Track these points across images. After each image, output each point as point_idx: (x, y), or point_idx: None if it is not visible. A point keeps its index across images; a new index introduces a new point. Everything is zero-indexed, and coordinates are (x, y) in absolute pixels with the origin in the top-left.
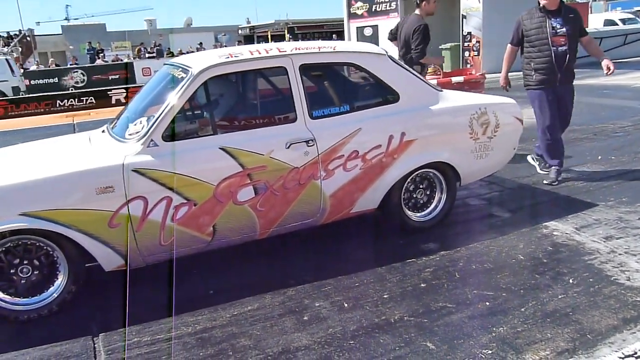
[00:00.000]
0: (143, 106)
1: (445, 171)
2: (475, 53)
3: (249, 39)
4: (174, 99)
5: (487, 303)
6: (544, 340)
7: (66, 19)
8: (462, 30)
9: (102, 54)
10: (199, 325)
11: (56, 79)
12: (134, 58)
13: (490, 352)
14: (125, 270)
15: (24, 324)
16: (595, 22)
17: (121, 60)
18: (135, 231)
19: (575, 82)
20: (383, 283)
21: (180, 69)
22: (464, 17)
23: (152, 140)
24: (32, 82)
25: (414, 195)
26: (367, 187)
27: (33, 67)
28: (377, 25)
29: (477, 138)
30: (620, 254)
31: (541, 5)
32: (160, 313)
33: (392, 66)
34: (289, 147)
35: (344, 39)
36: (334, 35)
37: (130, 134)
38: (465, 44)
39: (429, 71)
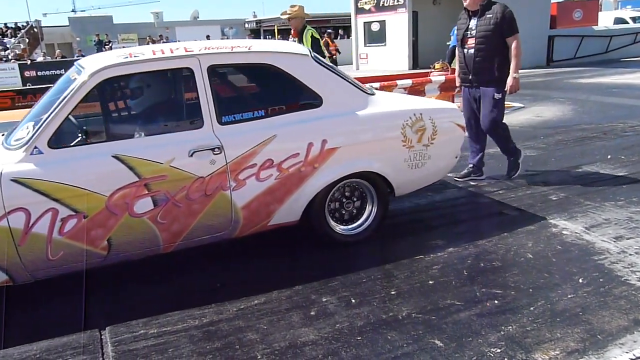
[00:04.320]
0: (37, 110)
1: (375, 182)
2: None
3: (255, 33)
4: (63, 103)
5: (496, 301)
6: (554, 340)
7: (73, 10)
8: None
9: (108, 46)
10: (205, 318)
11: (63, 70)
12: None
13: (499, 350)
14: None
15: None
16: (605, 20)
17: None
18: (18, 245)
19: (585, 80)
20: (390, 279)
21: (76, 70)
22: None
23: (35, 147)
24: (39, 73)
25: (342, 207)
26: (285, 198)
27: (40, 59)
28: (384, 21)
29: (412, 146)
30: (630, 255)
31: (464, 5)
32: (167, 306)
33: (315, 68)
34: (192, 155)
35: (350, 34)
36: (340, 31)
37: (15, 141)
38: None
39: (436, 67)
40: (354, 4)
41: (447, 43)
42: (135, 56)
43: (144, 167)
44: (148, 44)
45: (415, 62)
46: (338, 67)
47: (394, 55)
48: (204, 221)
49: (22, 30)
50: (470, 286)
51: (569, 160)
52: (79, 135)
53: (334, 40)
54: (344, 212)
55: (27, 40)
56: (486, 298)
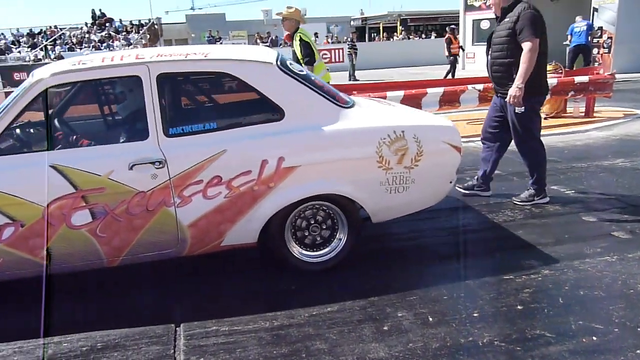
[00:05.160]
0: None
1: (346, 206)
2: (606, 50)
3: (361, 31)
4: (6, 110)
5: (594, 338)
6: None
7: (192, 8)
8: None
9: (219, 42)
10: (276, 321)
11: None
12: None
13: None
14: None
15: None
16: None
17: None
18: None
19: None
20: (474, 299)
21: (30, 75)
22: (595, 10)
23: None
24: None
25: (308, 232)
26: (237, 218)
27: None
28: (495, 18)
29: (389, 168)
30: None
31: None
32: (241, 305)
33: (278, 77)
34: (132, 168)
35: (459, 32)
36: (447, 28)
37: None
38: (595, 41)
39: (548, 69)
40: (463, 0)
41: (565, 43)
42: (83, 63)
43: (81, 178)
44: (256, 41)
45: None
46: (458, 64)
47: None
48: (148, 237)
49: (144, 27)
50: (565, 317)
51: None
52: (20, 143)
53: (457, 37)
54: (309, 237)
55: (148, 36)
56: (583, 333)
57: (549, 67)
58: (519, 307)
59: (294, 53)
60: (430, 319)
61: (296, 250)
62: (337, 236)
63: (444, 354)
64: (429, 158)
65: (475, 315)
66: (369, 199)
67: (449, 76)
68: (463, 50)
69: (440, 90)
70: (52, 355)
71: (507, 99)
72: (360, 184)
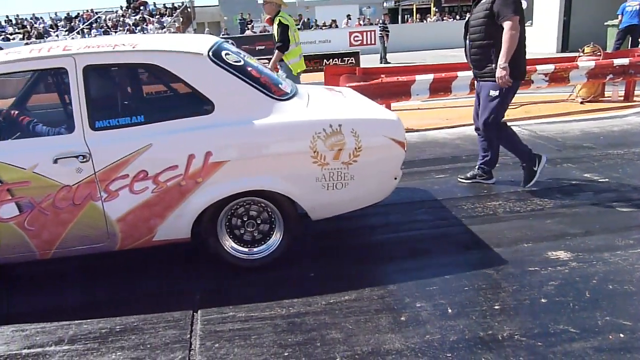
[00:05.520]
0: None
1: (281, 203)
2: None
3: (393, 13)
4: None
5: (622, 335)
6: None
7: None
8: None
9: (251, 25)
10: (293, 309)
11: None
12: None
13: None
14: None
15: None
16: None
17: (268, 31)
18: None
19: None
20: (496, 291)
21: None
22: None
23: None
24: None
25: (243, 229)
26: (166, 214)
27: None
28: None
29: (326, 164)
30: None
31: None
32: (259, 291)
33: (209, 69)
34: (56, 162)
35: None
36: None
37: None
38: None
39: (586, 51)
40: None
41: (606, 23)
42: (10, 55)
43: (6, 172)
44: None
45: (565, 45)
46: None
47: (541, 36)
48: (77, 231)
49: (177, 11)
50: (592, 312)
51: None
52: None
53: None
54: (247, 233)
55: (181, 19)
56: (609, 329)
57: (586, 49)
58: (542, 300)
59: (274, 37)
60: (450, 311)
61: (229, 246)
62: (274, 233)
63: (461, 347)
64: (369, 153)
65: (496, 307)
66: (304, 196)
67: None
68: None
69: (471, 73)
70: (73, 336)
71: (484, 81)
72: (295, 180)
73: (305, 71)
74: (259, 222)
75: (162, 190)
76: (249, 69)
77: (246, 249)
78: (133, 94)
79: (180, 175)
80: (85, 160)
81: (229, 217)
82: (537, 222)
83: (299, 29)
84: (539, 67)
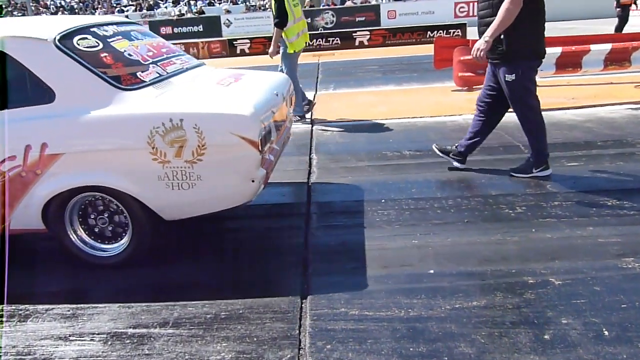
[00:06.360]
0: None
1: (127, 201)
2: None
3: None
4: None
5: None
6: None
7: None
8: None
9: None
10: (412, 311)
11: (309, 19)
12: (381, 0)
13: None
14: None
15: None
16: None
17: (369, 2)
18: None
19: None
20: None
21: None
22: None
23: None
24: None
25: (95, 224)
26: (14, 204)
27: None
28: None
29: (167, 161)
30: None
31: None
32: (373, 286)
33: (53, 56)
34: None
35: None
36: None
37: None
38: None
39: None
40: None
41: None
42: None
43: None
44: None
45: None
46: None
47: None
48: None
49: None
50: None
51: None
52: None
53: None
54: (99, 229)
55: None
56: None
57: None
58: None
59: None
60: (606, 333)
61: (78, 241)
62: (127, 233)
63: None
64: (215, 152)
65: None
66: (147, 194)
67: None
68: (636, 4)
69: (607, 47)
70: (177, 319)
71: (496, 63)
72: (134, 177)
73: (401, 44)
74: (105, 216)
75: (7, 180)
76: (104, 55)
77: (98, 245)
78: None
79: (20, 166)
80: None
81: (77, 211)
82: None
83: (311, 7)
84: (593, 47)
